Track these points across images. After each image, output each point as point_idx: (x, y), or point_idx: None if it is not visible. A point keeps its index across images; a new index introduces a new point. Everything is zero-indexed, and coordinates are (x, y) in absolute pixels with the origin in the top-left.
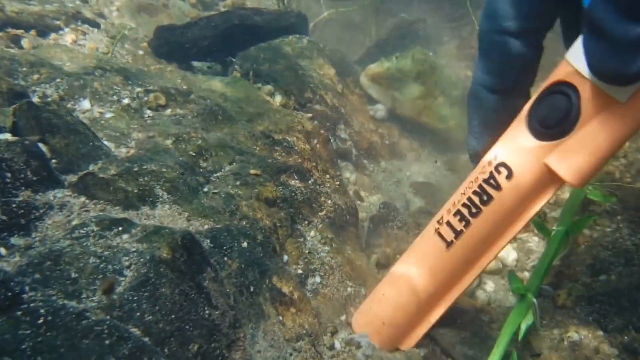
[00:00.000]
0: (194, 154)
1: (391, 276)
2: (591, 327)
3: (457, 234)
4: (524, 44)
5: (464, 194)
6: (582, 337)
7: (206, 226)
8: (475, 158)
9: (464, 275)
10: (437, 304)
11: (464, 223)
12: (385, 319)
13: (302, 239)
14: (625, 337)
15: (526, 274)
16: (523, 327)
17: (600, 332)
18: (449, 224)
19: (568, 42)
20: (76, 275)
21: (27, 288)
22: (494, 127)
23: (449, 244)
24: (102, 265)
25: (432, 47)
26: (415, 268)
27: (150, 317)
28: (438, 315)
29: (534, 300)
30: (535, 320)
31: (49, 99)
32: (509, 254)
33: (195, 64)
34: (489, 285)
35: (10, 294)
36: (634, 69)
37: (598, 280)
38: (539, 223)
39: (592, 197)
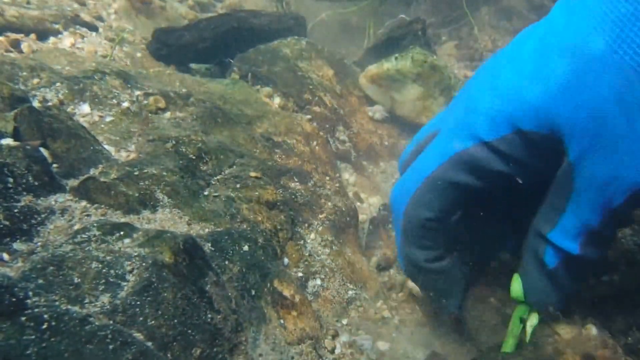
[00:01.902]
0: (194, 157)
1: None
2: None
3: None
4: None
5: None
6: None
7: (207, 230)
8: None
9: None
10: None
11: None
12: None
13: (302, 242)
14: (629, 339)
15: None
16: (529, 329)
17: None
18: None
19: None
20: (79, 280)
21: (30, 293)
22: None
23: None
24: (104, 270)
25: (431, 47)
26: None
27: (153, 321)
28: None
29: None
30: (538, 322)
31: (49, 104)
32: None
33: (194, 66)
34: None
35: (14, 299)
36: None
37: (600, 281)
38: None
39: None
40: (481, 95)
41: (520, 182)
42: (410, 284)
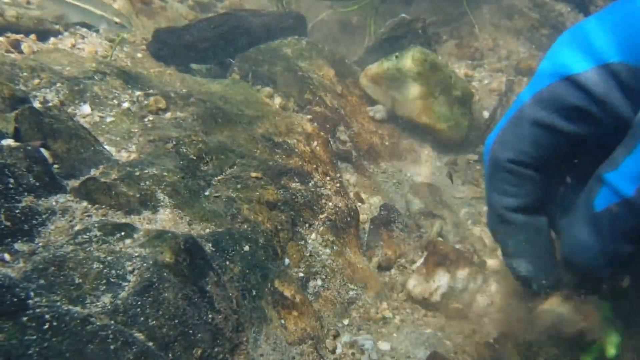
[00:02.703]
0: (194, 158)
1: None
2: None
3: None
4: (537, 174)
5: None
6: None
7: (208, 230)
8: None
9: None
10: None
11: None
12: None
13: (303, 242)
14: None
15: None
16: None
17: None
18: None
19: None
20: (80, 280)
21: (32, 294)
22: (535, 244)
23: None
24: (105, 271)
25: (432, 46)
26: None
27: (154, 321)
28: None
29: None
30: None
31: (50, 104)
32: None
33: (194, 66)
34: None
35: (15, 299)
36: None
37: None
38: None
39: None
40: (577, 32)
41: (604, 131)
42: (410, 284)
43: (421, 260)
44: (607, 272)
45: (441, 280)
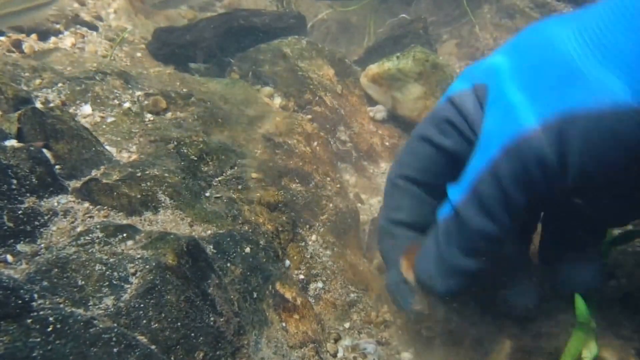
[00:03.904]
0: (195, 158)
1: None
2: (605, 335)
3: None
4: (419, 190)
5: None
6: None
7: (209, 231)
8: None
9: None
10: None
11: None
12: None
13: (303, 244)
14: (638, 343)
15: None
16: (588, 357)
17: (614, 340)
18: None
19: None
20: (83, 282)
21: (35, 296)
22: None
23: None
24: (107, 273)
25: (432, 46)
26: None
27: (157, 324)
28: None
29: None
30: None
31: (51, 104)
32: None
33: (192, 65)
34: None
35: (20, 301)
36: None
37: (609, 285)
38: None
39: None
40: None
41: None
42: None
43: None
44: (446, 287)
45: None
